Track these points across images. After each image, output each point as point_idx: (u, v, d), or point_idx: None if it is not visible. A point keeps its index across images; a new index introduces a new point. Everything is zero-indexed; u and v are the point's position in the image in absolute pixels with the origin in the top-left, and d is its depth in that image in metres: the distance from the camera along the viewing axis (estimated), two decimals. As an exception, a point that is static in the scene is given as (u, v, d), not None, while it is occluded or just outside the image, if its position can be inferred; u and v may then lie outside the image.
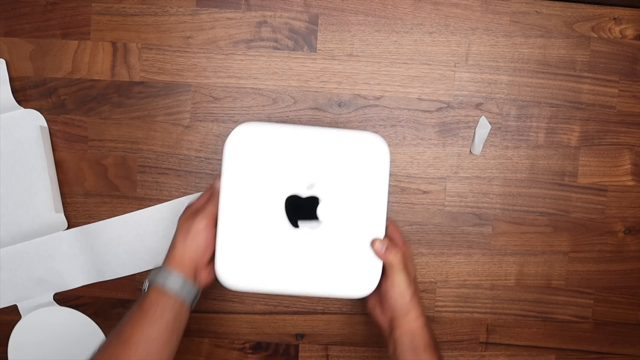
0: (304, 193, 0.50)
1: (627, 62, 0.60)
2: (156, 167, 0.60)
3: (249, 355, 0.62)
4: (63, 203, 0.60)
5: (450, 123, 0.60)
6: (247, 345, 0.62)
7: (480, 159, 0.60)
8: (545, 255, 0.62)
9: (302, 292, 0.51)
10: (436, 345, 0.51)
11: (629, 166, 0.61)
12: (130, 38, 0.58)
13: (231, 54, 0.59)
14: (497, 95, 0.60)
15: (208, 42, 0.59)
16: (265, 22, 0.58)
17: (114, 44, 0.58)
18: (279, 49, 0.59)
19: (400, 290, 0.50)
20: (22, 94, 0.59)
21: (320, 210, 0.50)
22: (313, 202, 0.50)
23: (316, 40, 0.59)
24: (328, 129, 0.52)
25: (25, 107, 0.58)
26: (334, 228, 0.51)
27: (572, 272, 0.62)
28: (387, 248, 0.50)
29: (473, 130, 0.60)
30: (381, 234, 0.51)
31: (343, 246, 0.51)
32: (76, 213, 0.60)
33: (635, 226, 0.62)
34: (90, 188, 0.60)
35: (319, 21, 0.58)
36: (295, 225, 0.50)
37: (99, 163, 0.60)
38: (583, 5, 0.59)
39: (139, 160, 0.60)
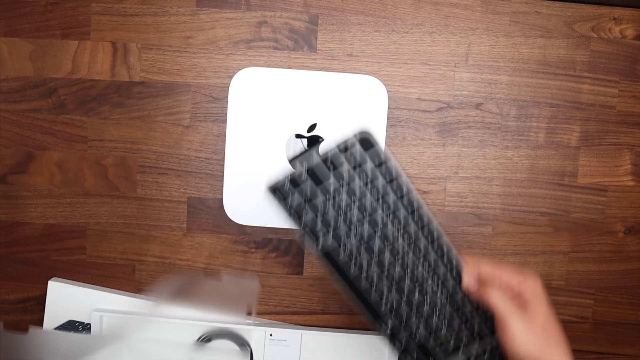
0: (306, 134, 0.54)
1: (627, 62, 0.60)
2: (156, 167, 0.60)
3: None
4: (63, 203, 0.60)
5: (450, 123, 0.60)
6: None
7: (480, 159, 0.60)
8: (545, 255, 0.62)
9: None
10: None
11: (629, 166, 0.61)
12: (130, 38, 0.58)
13: (231, 54, 0.59)
14: (497, 95, 0.60)
15: (208, 42, 0.59)
16: (265, 22, 0.58)
17: (114, 44, 0.58)
18: (279, 49, 0.59)
19: (520, 341, 0.40)
20: (22, 94, 0.59)
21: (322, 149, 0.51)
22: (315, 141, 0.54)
23: (316, 40, 0.59)
24: (328, 73, 0.56)
25: (26, 109, 0.59)
26: None
27: (572, 272, 0.62)
28: (479, 287, 0.42)
29: (473, 131, 0.60)
30: None
31: None
32: (76, 213, 0.60)
33: (635, 226, 0.62)
34: (90, 188, 0.60)
35: (319, 21, 0.58)
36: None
37: (99, 163, 0.60)
38: (583, 5, 0.59)
39: (139, 160, 0.60)
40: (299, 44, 0.59)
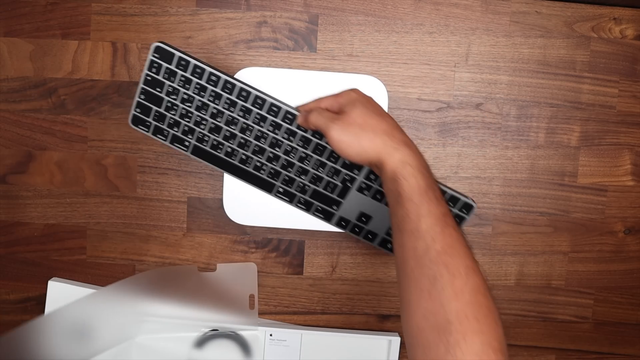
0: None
1: (627, 62, 0.60)
2: (156, 167, 0.60)
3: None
4: (63, 203, 0.60)
5: (450, 123, 0.60)
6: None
7: (480, 159, 0.60)
8: (545, 255, 0.62)
9: (303, 227, 0.56)
10: (427, 187, 0.40)
11: (629, 166, 0.61)
12: (130, 38, 0.58)
13: (231, 54, 0.59)
14: (497, 95, 0.60)
15: (208, 42, 0.58)
16: (265, 22, 0.58)
17: (114, 44, 0.58)
18: (279, 49, 0.59)
19: (340, 141, 0.44)
20: (22, 94, 0.59)
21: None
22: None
23: (316, 40, 0.59)
24: (328, 73, 0.56)
25: (26, 109, 0.59)
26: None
27: (572, 272, 0.62)
28: (303, 117, 0.49)
29: (473, 131, 0.60)
30: None
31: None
32: (76, 213, 0.60)
33: (635, 226, 0.62)
34: (90, 188, 0.60)
35: (319, 21, 0.58)
36: None
37: (99, 163, 0.60)
38: (583, 5, 0.59)
39: (139, 160, 0.60)
40: (299, 44, 0.59)
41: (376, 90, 0.56)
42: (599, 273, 0.62)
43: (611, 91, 0.60)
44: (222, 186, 0.57)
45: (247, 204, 0.56)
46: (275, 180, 0.53)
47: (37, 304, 0.61)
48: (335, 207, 0.54)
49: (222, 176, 0.57)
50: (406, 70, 0.59)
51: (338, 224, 0.55)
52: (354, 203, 0.53)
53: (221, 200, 0.58)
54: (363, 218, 0.54)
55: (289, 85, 0.55)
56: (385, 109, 0.56)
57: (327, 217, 0.54)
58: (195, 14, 0.58)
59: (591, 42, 0.60)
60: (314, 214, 0.54)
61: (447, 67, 0.59)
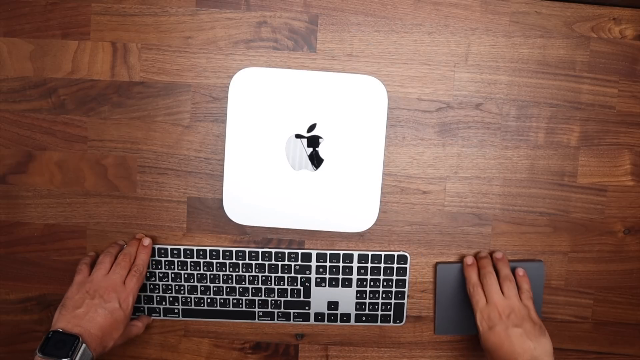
0: (306, 134, 0.55)
1: (627, 62, 0.60)
2: (156, 167, 0.60)
3: (249, 355, 0.62)
4: (63, 203, 0.60)
5: (450, 123, 0.60)
6: (247, 345, 0.62)
7: (480, 159, 0.60)
8: (545, 255, 0.62)
9: (303, 227, 0.57)
10: None
11: (628, 166, 0.61)
12: (130, 38, 0.58)
13: (231, 54, 0.59)
14: (497, 95, 0.60)
15: (208, 42, 0.59)
16: (265, 22, 0.58)
17: (113, 44, 0.58)
18: (278, 49, 0.59)
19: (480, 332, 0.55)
20: (22, 94, 0.59)
21: (322, 149, 0.55)
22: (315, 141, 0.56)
23: (316, 40, 0.59)
24: (327, 73, 0.56)
25: (26, 109, 0.59)
26: (334, 166, 0.55)
27: (572, 272, 0.62)
28: (473, 290, 0.57)
29: (473, 131, 0.60)
30: (379, 172, 0.55)
31: (342, 184, 0.56)
32: (76, 213, 0.60)
33: (635, 226, 0.62)
34: (90, 188, 0.60)
35: (319, 21, 0.58)
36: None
37: (99, 163, 0.60)
38: (583, 5, 0.59)
39: (139, 161, 0.60)
40: (299, 44, 0.59)
41: (376, 90, 0.56)
42: (599, 273, 0.62)
43: (611, 91, 0.60)
44: (222, 186, 0.57)
45: (247, 204, 0.56)
46: (253, 308, 0.60)
47: (37, 304, 0.61)
48: (307, 307, 0.60)
49: (222, 176, 0.57)
50: (406, 70, 0.59)
51: (317, 319, 0.60)
52: (319, 297, 0.60)
53: (221, 200, 0.58)
54: (332, 305, 0.60)
55: (288, 85, 0.55)
56: (385, 109, 0.56)
57: (305, 318, 0.60)
58: (195, 14, 0.58)
59: (591, 42, 0.60)
60: (294, 321, 0.60)
61: (447, 67, 0.59)
